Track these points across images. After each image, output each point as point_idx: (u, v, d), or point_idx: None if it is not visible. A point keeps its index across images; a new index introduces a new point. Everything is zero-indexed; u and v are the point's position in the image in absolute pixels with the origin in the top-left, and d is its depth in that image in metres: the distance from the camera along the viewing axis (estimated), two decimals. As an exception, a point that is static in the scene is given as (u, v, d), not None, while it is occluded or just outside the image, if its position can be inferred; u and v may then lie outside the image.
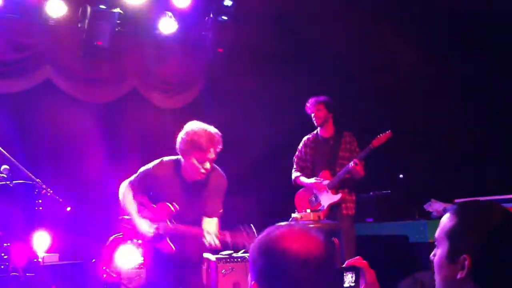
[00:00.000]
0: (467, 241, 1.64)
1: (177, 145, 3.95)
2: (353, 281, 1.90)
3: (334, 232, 4.92)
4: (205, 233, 3.80)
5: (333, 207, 5.43)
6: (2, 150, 4.48)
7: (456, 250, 1.65)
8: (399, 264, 5.48)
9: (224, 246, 3.88)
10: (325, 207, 5.42)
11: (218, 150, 3.92)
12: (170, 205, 3.98)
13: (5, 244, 4.41)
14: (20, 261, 4.61)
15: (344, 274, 1.89)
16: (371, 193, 6.49)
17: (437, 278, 1.74)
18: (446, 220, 1.73)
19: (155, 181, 4.05)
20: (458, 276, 1.63)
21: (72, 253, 5.81)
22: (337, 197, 5.42)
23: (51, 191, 4.60)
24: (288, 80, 7.06)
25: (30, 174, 4.55)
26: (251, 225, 3.79)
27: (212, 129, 3.94)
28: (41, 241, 4.93)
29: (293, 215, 5.05)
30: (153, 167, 4.07)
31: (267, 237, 1.52)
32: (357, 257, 1.93)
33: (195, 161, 3.88)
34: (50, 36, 6.38)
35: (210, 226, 3.90)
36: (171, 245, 3.97)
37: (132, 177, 4.18)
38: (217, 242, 3.77)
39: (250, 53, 7.13)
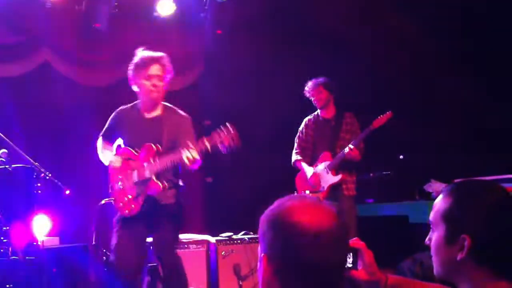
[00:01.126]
0: (464, 221, 1.62)
1: (128, 75, 4.21)
2: (350, 262, 1.89)
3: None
4: (181, 151, 3.81)
5: (334, 188, 5.44)
6: (0, 134, 4.47)
7: (454, 231, 1.63)
8: (399, 245, 5.49)
9: (205, 154, 3.87)
10: (326, 188, 5.43)
11: (164, 68, 4.11)
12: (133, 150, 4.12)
13: (4, 228, 4.41)
14: (20, 244, 4.62)
15: None
16: (371, 174, 6.49)
17: (436, 262, 1.72)
18: (440, 202, 1.70)
19: (120, 121, 4.27)
20: (458, 258, 1.61)
21: (72, 236, 5.82)
22: (337, 178, 5.42)
23: (50, 175, 4.59)
24: (288, 61, 7.02)
25: (29, 158, 4.55)
26: (227, 123, 3.88)
27: (155, 52, 4.17)
28: (41, 225, 4.93)
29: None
30: (115, 112, 4.35)
31: (277, 209, 1.46)
32: (355, 238, 1.92)
33: (144, 82, 4.09)
34: (47, 19, 6.32)
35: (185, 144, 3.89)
36: (159, 183, 3.99)
37: (101, 132, 4.43)
38: (194, 154, 3.78)
39: (249, 34, 7.08)
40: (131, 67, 4.19)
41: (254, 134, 6.89)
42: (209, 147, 3.81)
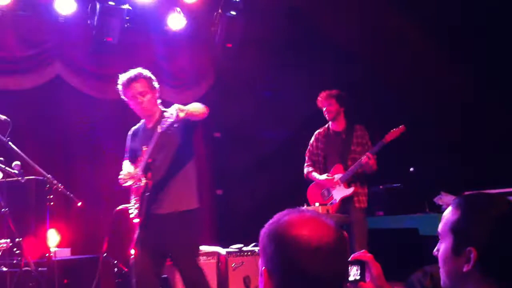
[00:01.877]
0: (471, 233, 1.63)
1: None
2: (358, 274, 1.90)
3: (343, 225, 4.93)
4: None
5: (345, 200, 5.43)
6: (13, 146, 4.51)
7: (461, 243, 1.65)
8: (409, 257, 5.47)
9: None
10: (337, 200, 5.42)
11: (143, 83, 4.30)
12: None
13: (17, 239, 4.44)
14: (32, 255, 4.66)
15: (349, 267, 1.88)
16: (381, 187, 6.48)
17: (443, 273, 1.73)
18: (449, 214, 1.73)
19: (132, 140, 4.50)
20: (464, 269, 1.63)
21: (84, 248, 5.85)
22: (350, 190, 5.41)
23: (62, 187, 4.63)
24: (299, 74, 7.05)
25: (41, 170, 4.59)
26: None
27: (131, 71, 4.35)
28: (53, 236, 4.97)
29: (302, 208, 5.06)
30: (130, 131, 4.58)
31: (277, 223, 1.49)
32: (363, 250, 1.93)
33: (131, 103, 4.35)
34: (60, 33, 6.42)
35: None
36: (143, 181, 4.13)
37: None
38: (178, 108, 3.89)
39: (259, 47, 7.13)
40: (119, 91, 4.44)
41: (264, 146, 6.93)
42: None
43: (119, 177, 4.32)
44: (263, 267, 1.49)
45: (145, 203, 4.15)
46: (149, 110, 4.37)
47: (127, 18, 6.59)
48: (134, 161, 4.45)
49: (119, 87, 4.40)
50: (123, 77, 4.38)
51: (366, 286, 1.88)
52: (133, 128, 4.61)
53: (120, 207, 4.99)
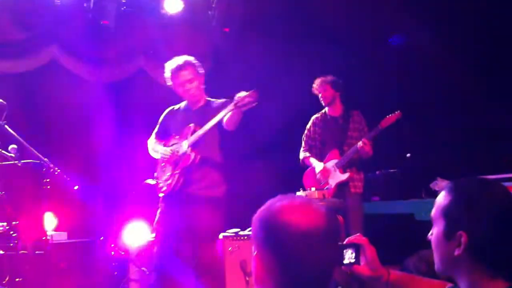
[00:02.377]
0: (462, 218, 1.65)
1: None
2: (353, 257, 1.91)
3: (339, 209, 4.94)
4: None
5: (341, 186, 5.45)
6: (9, 129, 4.50)
7: (452, 227, 1.66)
8: (405, 242, 5.49)
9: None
10: (333, 185, 5.44)
11: (191, 70, 4.58)
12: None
13: (14, 223, 4.45)
14: (29, 239, 4.67)
15: (344, 251, 1.89)
16: (377, 172, 6.50)
17: (436, 257, 1.76)
18: (441, 198, 1.74)
19: (170, 118, 4.74)
20: (456, 253, 1.65)
21: (81, 231, 5.86)
22: (345, 176, 5.43)
23: (59, 170, 4.63)
24: (297, 58, 7.02)
25: (38, 154, 4.58)
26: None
27: (179, 58, 4.63)
28: (50, 220, 4.97)
29: (297, 193, 5.07)
30: (165, 111, 4.81)
31: (268, 209, 1.53)
32: (357, 234, 1.94)
33: (179, 89, 4.62)
34: (56, 16, 6.36)
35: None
36: (192, 154, 4.35)
37: (154, 130, 4.84)
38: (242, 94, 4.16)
39: (256, 32, 7.09)
40: (166, 77, 4.70)
41: (262, 131, 6.91)
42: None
43: (166, 155, 4.47)
44: (255, 252, 1.52)
45: (182, 179, 4.38)
46: (197, 96, 4.65)
47: (124, 1, 6.55)
48: (164, 137, 4.70)
49: (167, 74, 4.64)
50: (171, 65, 4.63)
51: (360, 269, 1.90)
52: (171, 107, 4.84)
53: (149, 180, 5.02)
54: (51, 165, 4.58)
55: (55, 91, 6.36)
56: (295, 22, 7.12)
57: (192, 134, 4.44)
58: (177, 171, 4.42)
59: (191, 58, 4.65)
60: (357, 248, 1.91)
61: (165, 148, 4.62)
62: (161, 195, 4.54)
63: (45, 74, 6.36)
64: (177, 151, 4.48)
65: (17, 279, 4.40)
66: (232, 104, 4.16)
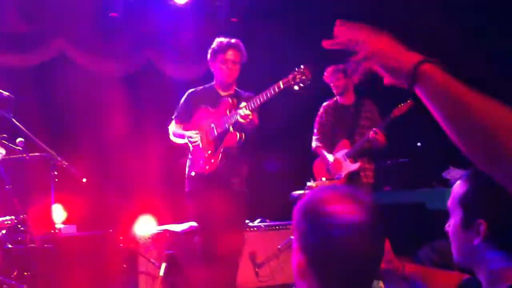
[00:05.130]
0: (480, 206, 1.60)
1: (208, 58, 4.71)
2: None
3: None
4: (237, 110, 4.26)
5: (352, 176, 5.37)
6: (17, 123, 4.49)
7: (470, 216, 1.62)
8: (417, 233, 5.44)
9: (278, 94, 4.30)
10: (343, 175, 5.37)
11: (239, 53, 4.60)
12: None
13: (22, 216, 4.44)
14: (37, 232, 4.66)
15: None
16: (388, 162, 6.43)
17: (454, 247, 1.71)
18: (457, 187, 1.69)
19: (195, 101, 4.67)
20: (475, 242, 1.60)
21: (90, 224, 5.85)
22: (355, 165, 5.35)
23: (67, 163, 4.62)
24: (305, 48, 6.95)
25: (46, 146, 4.57)
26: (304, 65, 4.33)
27: (231, 39, 4.66)
28: (59, 213, 4.97)
29: (308, 183, 5.02)
30: (186, 93, 4.77)
31: (311, 199, 1.45)
32: None
33: (220, 66, 4.57)
34: (63, 8, 6.34)
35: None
36: (237, 133, 4.35)
37: (174, 115, 4.77)
38: (246, 111, 4.18)
39: (264, 22, 7.03)
40: (211, 48, 4.68)
41: (270, 121, 6.86)
42: (282, 86, 4.25)
43: (193, 137, 4.48)
44: (297, 244, 1.44)
45: (224, 160, 4.39)
46: (231, 79, 4.63)
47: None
48: (186, 120, 4.66)
49: (213, 47, 4.64)
50: (221, 40, 4.65)
51: None
52: (193, 90, 4.80)
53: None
54: (59, 158, 4.57)
55: (64, 84, 6.34)
56: (302, 11, 7.05)
57: (230, 109, 4.42)
58: (219, 150, 4.39)
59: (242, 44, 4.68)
60: None
61: (190, 132, 4.57)
62: (192, 174, 4.50)
63: (54, 67, 6.35)
64: (212, 124, 4.45)
65: (26, 273, 4.40)
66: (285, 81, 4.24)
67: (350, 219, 1.36)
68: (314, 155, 5.66)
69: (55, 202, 4.69)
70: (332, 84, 5.54)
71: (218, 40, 4.68)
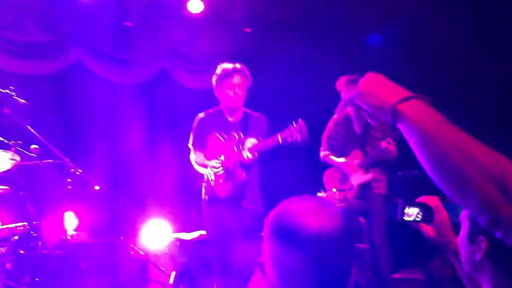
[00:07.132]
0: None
1: (213, 85, 4.76)
2: (419, 216, 1.88)
3: (361, 211, 4.87)
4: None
5: (364, 186, 5.34)
6: (31, 129, 4.55)
7: (475, 231, 1.61)
8: (428, 245, 5.40)
9: (277, 148, 4.42)
10: (355, 186, 5.34)
11: (245, 78, 4.68)
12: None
13: (34, 222, 4.48)
14: (50, 239, 4.69)
15: (411, 207, 1.86)
16: (399, 173, 6.40)
17: (462, 259, 1.71)
18: None
19: (207, 128, 4.78)
20: (477, 258, 1.60)
21: (101, 231, 5.88)
22: (368, 176, 5.30)
23: (80, 170, 4.66)
24: (319, 59, 6.96)
25: (60, 154, 4.61)
26: (299, 120, 4.41)
27: (235, 64, 4.73)
28: (70, 220, 5.00)
29: (318, 194, 5.00)
30: (196, 120, 4.85)
31: (279, 212, 1.47)
32: (433, 196, 1.91)
33: (227, 91, 4.63)
34: (80, 18, 6.41)
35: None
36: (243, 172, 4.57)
37: (189, 142, 4.88)
38: (248, 154, 4.41)
39: (278, 32, 7.05)
40: (215, 74, 4.74)
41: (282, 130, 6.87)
42: (280, 141, 4.36)
43: (216, 167, 4.63)
44: (266, 256, 1.47)
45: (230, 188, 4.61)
46: (239, 104, 4.71)
47: (146, 2, 6.57)
48: (202, 147, 4.81)
49: (219, 74, 4.69)
50: (226, 66, 4.72)
51: (426, 228, 1.87)
52: (202, 115, 4.89)
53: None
54: (73, 165, 4.61)
55: (79, 92, 6.41)
56: (316, 22, 7.06)
57: (236, 145, 4.60)
58: (231, 182, 4.61)
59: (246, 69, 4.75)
60: (426, 208, 1.88)
61: (212, 161, 4.70)
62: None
63: (70, 75, 6.41)
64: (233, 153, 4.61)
65: (37, 279, 4.43)
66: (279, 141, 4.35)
67: (318, 230, 1.38)
68: (324, 165, 5.63)
69: (67, 209, 4.73)
70: (342, 94, 5.52)
71: (222, 66, 4.74)
